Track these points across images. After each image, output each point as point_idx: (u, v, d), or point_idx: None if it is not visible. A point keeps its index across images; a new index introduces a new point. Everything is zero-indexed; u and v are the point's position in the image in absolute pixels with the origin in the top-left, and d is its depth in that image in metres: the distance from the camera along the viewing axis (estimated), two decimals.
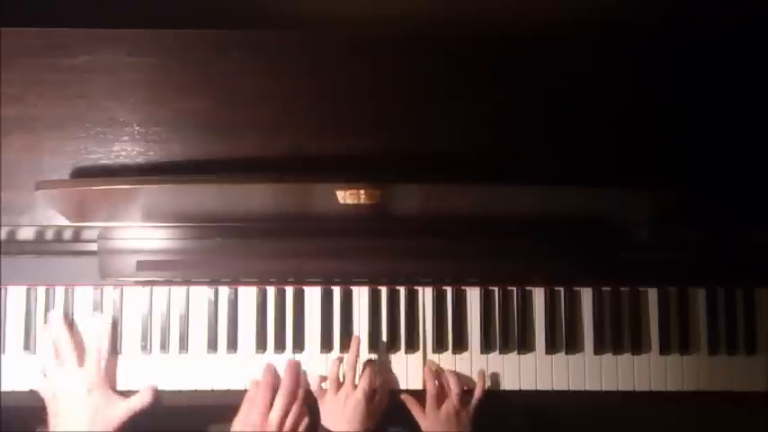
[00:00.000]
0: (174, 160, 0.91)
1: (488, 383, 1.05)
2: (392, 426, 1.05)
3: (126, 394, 1.00)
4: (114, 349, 1.03)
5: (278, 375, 1.00)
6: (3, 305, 1.04)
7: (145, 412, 0.98)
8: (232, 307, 1.05)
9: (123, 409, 0.97)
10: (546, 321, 1.07)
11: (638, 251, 1.07)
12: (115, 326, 1.04)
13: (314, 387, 1.02)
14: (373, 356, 1.05)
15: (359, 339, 1.03)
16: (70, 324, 1.02)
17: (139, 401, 0.98)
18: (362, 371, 1.01)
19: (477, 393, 1.03)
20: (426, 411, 1.01)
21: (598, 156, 0.93)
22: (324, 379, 1.02)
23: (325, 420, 0.99)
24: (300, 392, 0.99)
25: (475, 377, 1.05)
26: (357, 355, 1.02)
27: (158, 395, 1.01)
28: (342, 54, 0.93)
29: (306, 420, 0.97)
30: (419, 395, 1.03)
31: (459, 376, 1.04)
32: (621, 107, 0.94)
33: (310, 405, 1.02)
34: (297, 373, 1.00)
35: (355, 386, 0.99)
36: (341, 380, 1.01)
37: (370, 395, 0.99)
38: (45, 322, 1.03)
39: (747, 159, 0.95)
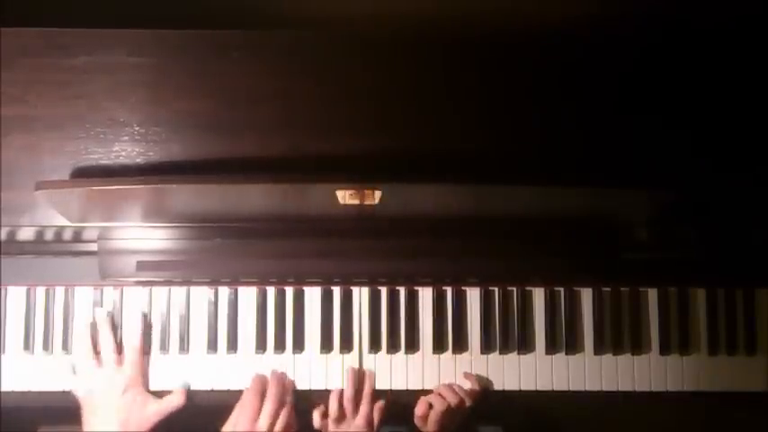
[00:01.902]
0: (174, 160, 0.91)
1: (488, 384, 1.05)
2: (390, 426, 1.05)
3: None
4: (148, 348, 1.03)
5: (267, 383, 1.00)
6: (3, 305, 1.04)
7: (177, 413, 0.99)
8: (232, 307, 1.05)
9: (156, 410, 0.98)
10: (546, 321, 1.07)
11: (638, 251, 1.07)
12: (150, 324, 1.04)
13: (316, 423, 1.01)
14: (371, 356, 1.05)
15: (354, 372, 1.03)
16: (113, 323, 1.02)
17: (172, 403, 0.99)
18: (363, 394, 1.01)
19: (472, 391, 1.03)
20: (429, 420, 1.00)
21: (598, 156, 0.93)
22: (324, 413, 1.01)
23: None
24: (288, 398, 0.99)
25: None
26: (354, 388, 1.02)
27: (191, 396, 1.01)
28: (342, 54, 0.93)
29: (295, 427, 0.98)
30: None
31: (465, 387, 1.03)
32: (622, 107, 0.94)
33: (309, 407, 1.02)
34: (282, 380, 1.00)
35: (356, 413, 1.00)
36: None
37: (371, 414, 1.00)
38: (45, 326, 1.03)
39: (747, 159, 0.95)
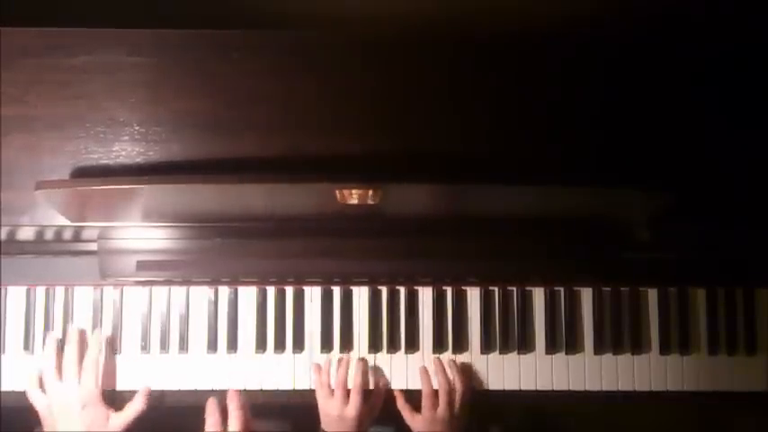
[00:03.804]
0: (174, 160, 0.91)
1: (488, 384, 1.05)
2: (378, 426, 1.05)
3: (126, 394, 1.01)
4: (112, 351, 1.03)
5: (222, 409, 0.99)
6: (3, 305, 1.04)
7: (141, 416, 0.98)
8: (232, 307, 1.05)
9: (119, 421, 0.96)
10: (546, 321, 1.07)
11: (638, 251, 1.07)
12: (114, 329, 1.04)
13: (314, 384, 1.02)
14: (371, 356, 1.05)
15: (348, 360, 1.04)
16: (82, 338, 1.01)
17: (134, 410, 0.98)
18: (353, 384, 1.01)
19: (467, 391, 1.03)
20: (422, 411, 1.01)
21: (598, 156, 0.93)
22: (318, 369, 1.02)
23: (324, 423, 1.00)
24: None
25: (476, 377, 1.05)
26: (346, 374, 1.02)
27: (152, 398, 1.00)
28: (341, 54, 0.93)
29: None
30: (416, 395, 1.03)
31: (460, 372, 1.03)
32: (622, 107, 0.94)
33: (306, 405, 1.02)
34: (239, 402, 0.98)
35: (348, 392, 1.00)
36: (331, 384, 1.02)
37: (364, 398, 1.00)
38: (45, 326, 1.04)
39: (747, 159, 0.95)
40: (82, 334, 1.02)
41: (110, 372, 1.02)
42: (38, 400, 0.98)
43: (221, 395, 1.00)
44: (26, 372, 1.00)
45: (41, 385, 0.99)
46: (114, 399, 1.00)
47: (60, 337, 1.02)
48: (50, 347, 1.00)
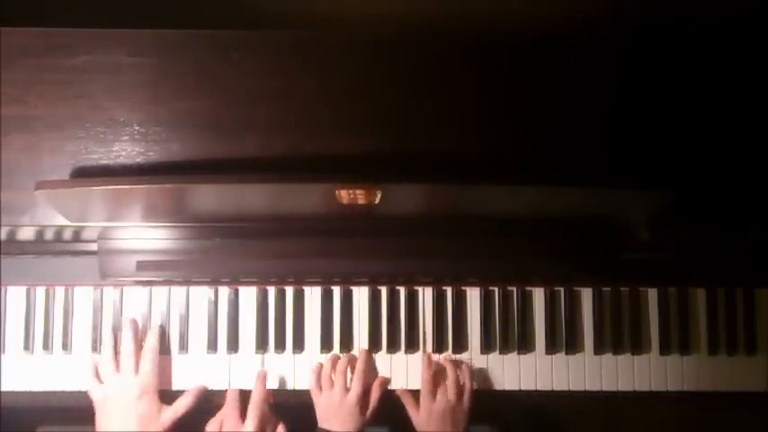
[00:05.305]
0: (174, 160, 0.91)
1: (488, 383, 1.05)
2: (375, 426, 1.05)
3: None
4: (166, 348, 1.04)
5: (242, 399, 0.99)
6: (3, 305, 1.04)
7: (190, 413, 0.99)
8: (232, 307, 1.06)
9: (170, 414, 0.98)
10: (546, 321, 1.07)
11: (638, 251, 1.07)
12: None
13: (310, 385, 1.02)
14: (372, 356, 1.05)
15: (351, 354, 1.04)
16: (136, 330, 1.02)
17: (184, 404, 0.99)
18: (355, 370, 1.01)
19: (468, 386, 1.03)
20: (421, 406, 1.01)
21: (598, 156, 0.93)
22: (318, 376, 1.02)
23: (321, 421, 1.00)
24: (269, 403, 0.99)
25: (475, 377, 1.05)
26: (348, 362, 1.02)
27: (204, 395, 1.02)
28: (341, 54, 0.93)
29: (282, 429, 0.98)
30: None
31: (458, 367, 1.03)
32: (621, 107, 0.94)
33: (307, 405, 1.02)
34: (265, 383, 1.00)
35: (348, 389, 1.00)
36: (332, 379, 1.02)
37: (363, 395, 1.00)
38: (45, 326, 1.04)
39: (747, 159, 0.95)
40: (136, 326, 1.03)
41: (159, 374, 1.01)
42: (95, 392, 0.99)
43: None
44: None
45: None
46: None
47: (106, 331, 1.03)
48: (107, 341, 1.02)
